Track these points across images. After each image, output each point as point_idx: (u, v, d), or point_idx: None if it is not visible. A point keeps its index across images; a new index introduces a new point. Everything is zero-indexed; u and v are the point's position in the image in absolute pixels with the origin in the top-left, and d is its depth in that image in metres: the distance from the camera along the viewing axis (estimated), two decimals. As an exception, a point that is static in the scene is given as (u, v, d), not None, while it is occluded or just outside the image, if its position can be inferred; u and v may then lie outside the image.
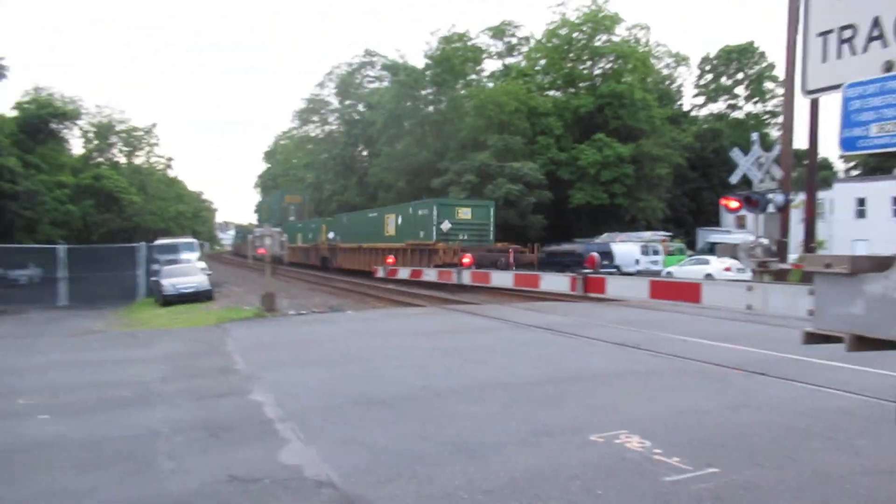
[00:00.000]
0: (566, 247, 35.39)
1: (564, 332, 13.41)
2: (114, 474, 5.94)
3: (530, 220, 44.57)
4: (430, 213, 31.69)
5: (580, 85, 54.33)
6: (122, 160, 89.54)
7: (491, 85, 55.37)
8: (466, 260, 27.37)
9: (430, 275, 33.15)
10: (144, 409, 8.11)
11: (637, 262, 34.40)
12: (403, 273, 33.98)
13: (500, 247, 32.14)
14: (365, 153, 67.92)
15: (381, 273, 31.12)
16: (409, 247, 32.53)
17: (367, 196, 62.90)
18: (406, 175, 54.66)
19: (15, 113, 60.64)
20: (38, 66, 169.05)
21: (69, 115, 64.42)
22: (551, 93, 54.81)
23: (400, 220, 34.07)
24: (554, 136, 49.79)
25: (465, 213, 32.27)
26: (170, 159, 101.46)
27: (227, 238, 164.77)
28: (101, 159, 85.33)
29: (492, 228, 32.35)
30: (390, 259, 37.62)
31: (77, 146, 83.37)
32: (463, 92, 53.97)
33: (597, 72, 54.08)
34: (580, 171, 47.49)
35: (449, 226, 31.52)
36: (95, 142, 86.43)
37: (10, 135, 49.98)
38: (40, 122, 57.34)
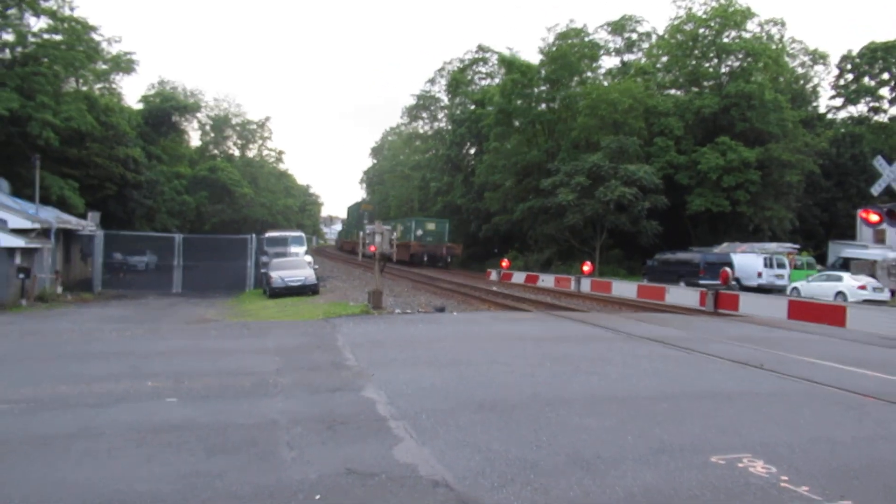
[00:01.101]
0: (681, 255, 34.75)
1: (681, 346, 13.14)
2: (240, 460, 6.27)
3: (643, 226, 43.61)
4: (411, 225, 52.76)
5: (704, 84, 52.29)
6: (236, 153, 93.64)
7: (607, 83, 53.55)
8: (587, 268, 32.79)
9: (547, 281, 35.09)
10: (263, 398, 8.49)
11: (759, 275, 33.08)
12: (518, 278, 36.71)
13: (448, 245, 51.55)
14: (472, 151, 68.02)
15: (494, 276, 35.59)
16: (399, 244, 50.60)
17: (473, 195, 62.72)
18: (514, 175, 54.30)
19: (141, 106, 63.28)
20: (163, 59, 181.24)
21: (190, 108, 67.49)
22: (672, 92, 53.17)
23: (399, 228, 55.56)
24: (673, 138, 48.09)
25: (430, 226, 53.01)
26: (280, 153, 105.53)
27: (331, 233, 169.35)
28: (216, 151, 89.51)
29: (446, 235, 52.21)
30: (505, 262, 39.81)
31: (195, 138, 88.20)
32: (577, 90, 52.95)
33: (723, 70, 51.91)
34: (700, 176, 45.56)
35: (420, 232, 51.63)
36: (212, 134, 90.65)
37: (136, 126, 52.89)
38: (163, 114, 60.52)
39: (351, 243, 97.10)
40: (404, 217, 71.70)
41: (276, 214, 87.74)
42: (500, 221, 56.06)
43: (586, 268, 33.93)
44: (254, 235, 35.31)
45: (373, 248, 19.48)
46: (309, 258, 35.26)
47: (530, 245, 55.03)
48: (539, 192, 49.28)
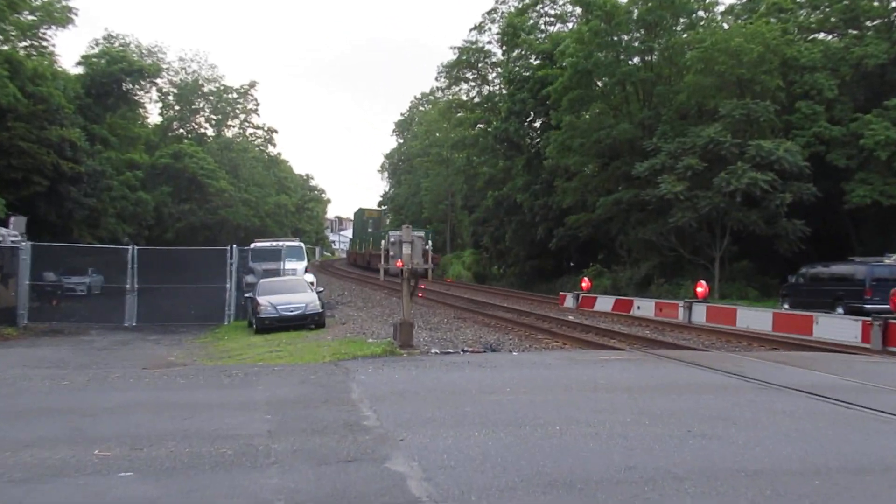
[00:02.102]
0: (837, 269, 33.83)
1: (837, 398, 12.95)
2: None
3: (783, 226, 42.79)
4: (386, 237, 71.46)
5: (867, 24, 51.51)
6: (210, 132, 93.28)
7: (727, 26, 52.69)
8: (701, 289, 33.57)
9: (645, 308, 35.15)
10: (251, 472, 8.50)
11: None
12: (604, 303, 37.98)
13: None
14: (537, 124, 66.99)
15: (570, 302, 38.14)
16: (377, 254, 64.73)
17: (539, 187, 61.66)
18: (596, 157, 53.34)
19: (80, 70, 62.83)
20: (111, 7, 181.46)
21: (146, 71, 66.57)
22: (821, 37, 52.36)
23: (371, 241, 79.96)
24: (823, 102, 46.90)
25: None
26: (271, 131, 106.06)
27: (340, 242, 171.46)
28: (182, 131, 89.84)
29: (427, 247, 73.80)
30: (585, 283, 40.44)
31: (153, 113, 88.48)
32: (684, 36, 51.71)
33: (895, 5, 51.43)
34: (863, 155, 44.06)
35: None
36: (177, 107, 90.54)
37: (75, 98, 53.11)
38: (111, 80, 60.59)
39: (363, 256, 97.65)
40: (388, 226, 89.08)
41: (264, 217, 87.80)
42: (576, 222, 54.97)
43: (700, 289, 33.88)
44: (235, 246, 35.14)
45: (400, 264, 19.62)
46: (311, 277, 35.57)
47: (620, 257, 53.89)
48: (631, 180, 48.44)
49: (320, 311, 29.21)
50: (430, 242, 21.55)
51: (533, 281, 63.98)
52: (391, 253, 20.62)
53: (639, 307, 36.34)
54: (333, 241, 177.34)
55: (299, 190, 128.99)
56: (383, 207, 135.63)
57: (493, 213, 72.83)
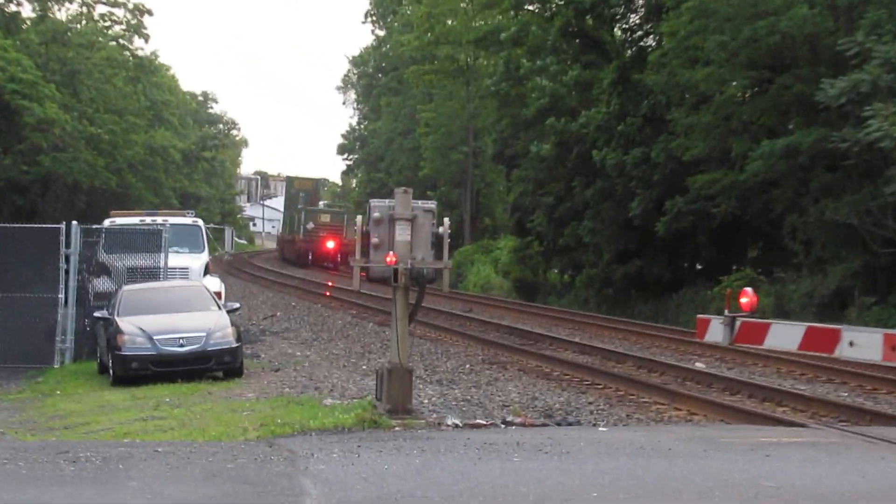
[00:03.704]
0: None
1: None
2: None
3: None
4: (300, 217, 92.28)
5: None
6: (26, 10, 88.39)
7: None
8: (745, 300, 33.44)
9: (866, 346, 29.95)
10: None
11: None
12: (782, 336, 33.84)
13: (347, 241, 76.93)
14: (638, 13, 55.44)
15: (717, 332, 36.35)
16: (285, 240, 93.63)
17: (642, 124, 51.70)
18: (748, 68, 44.15)
19: None
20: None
21: None
22: None
23: (302, 222, 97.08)
24: None
25: (325, 218, 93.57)
26: (141, 10, 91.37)
27: (267, 218, 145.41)
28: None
29: (345, 228, 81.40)
30: (748, 296, 37.74)
31: None
32: None
33: None
34: None
35: (311, 226, 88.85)
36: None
37: None
38: None
39: (293, 244, 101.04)
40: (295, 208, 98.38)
41: (126, 170, 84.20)
42: (706, 189, 47.07)
43: (745, 299, 32.82)
44: (75, 224, 31.46)
45: (391, 260, 17.10)
46: (216, 283, 31.45)
47: (789, 254, 46.83)
48: (813, 112, 40.57)
49: (234, 345, 25.37)
50: (446, 222, 18.28)
51: (626, 296, 55.53)
52: (374, 239, 17.57)
53: (851, 343, 32.79)
54: (254, 219, 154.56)
55: (191, 125, 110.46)
56: (348, 158, 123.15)
57: (553, 170, 61.35)
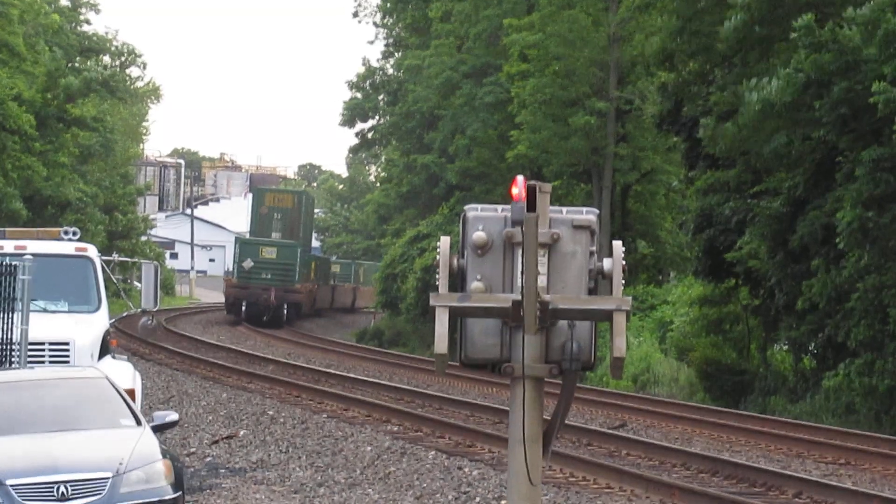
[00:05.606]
0: None
1: None
2: None
3: None
4: (239, 250, 69.94)
5: None
6: None
7: None
8: None
9: None
10: None
11: None
12: None
13: (289, 288, 73.28)
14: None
15: None
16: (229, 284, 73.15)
17: None
18: None
19: None
20: None
21: None
22: None
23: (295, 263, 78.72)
24: None
25: (269, 252, 71.13)
26: None
27: (201, 248, 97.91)
28: None
29: (296, 271, 71.97)
30: None
31: None
32: None
33: None
34: None
35: (251, 264, 69.67)
36: None
37: None
38: None
39: (249, 289, 73.93)
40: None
41: None
42: None
43: None
44: None
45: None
46: (126, 370, 22.02)
47: None
48: None
49: (168, 496, 17.60)
50: (617, 248, 11.72)
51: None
52: (474, 282, 11.49)
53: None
54: (173, 245, 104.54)
55: (47, 51, 71.84)
56: (366, 126, 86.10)
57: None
